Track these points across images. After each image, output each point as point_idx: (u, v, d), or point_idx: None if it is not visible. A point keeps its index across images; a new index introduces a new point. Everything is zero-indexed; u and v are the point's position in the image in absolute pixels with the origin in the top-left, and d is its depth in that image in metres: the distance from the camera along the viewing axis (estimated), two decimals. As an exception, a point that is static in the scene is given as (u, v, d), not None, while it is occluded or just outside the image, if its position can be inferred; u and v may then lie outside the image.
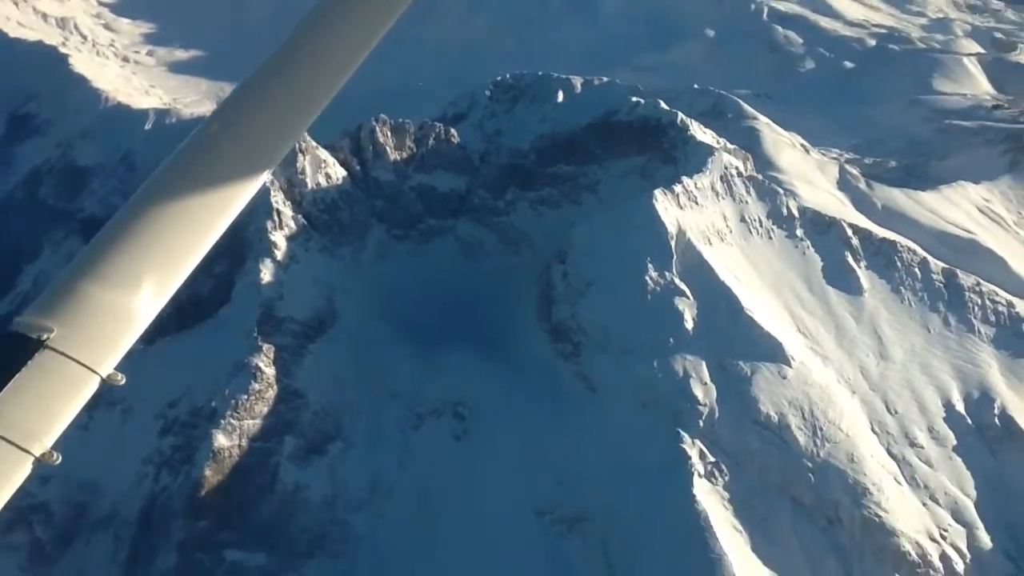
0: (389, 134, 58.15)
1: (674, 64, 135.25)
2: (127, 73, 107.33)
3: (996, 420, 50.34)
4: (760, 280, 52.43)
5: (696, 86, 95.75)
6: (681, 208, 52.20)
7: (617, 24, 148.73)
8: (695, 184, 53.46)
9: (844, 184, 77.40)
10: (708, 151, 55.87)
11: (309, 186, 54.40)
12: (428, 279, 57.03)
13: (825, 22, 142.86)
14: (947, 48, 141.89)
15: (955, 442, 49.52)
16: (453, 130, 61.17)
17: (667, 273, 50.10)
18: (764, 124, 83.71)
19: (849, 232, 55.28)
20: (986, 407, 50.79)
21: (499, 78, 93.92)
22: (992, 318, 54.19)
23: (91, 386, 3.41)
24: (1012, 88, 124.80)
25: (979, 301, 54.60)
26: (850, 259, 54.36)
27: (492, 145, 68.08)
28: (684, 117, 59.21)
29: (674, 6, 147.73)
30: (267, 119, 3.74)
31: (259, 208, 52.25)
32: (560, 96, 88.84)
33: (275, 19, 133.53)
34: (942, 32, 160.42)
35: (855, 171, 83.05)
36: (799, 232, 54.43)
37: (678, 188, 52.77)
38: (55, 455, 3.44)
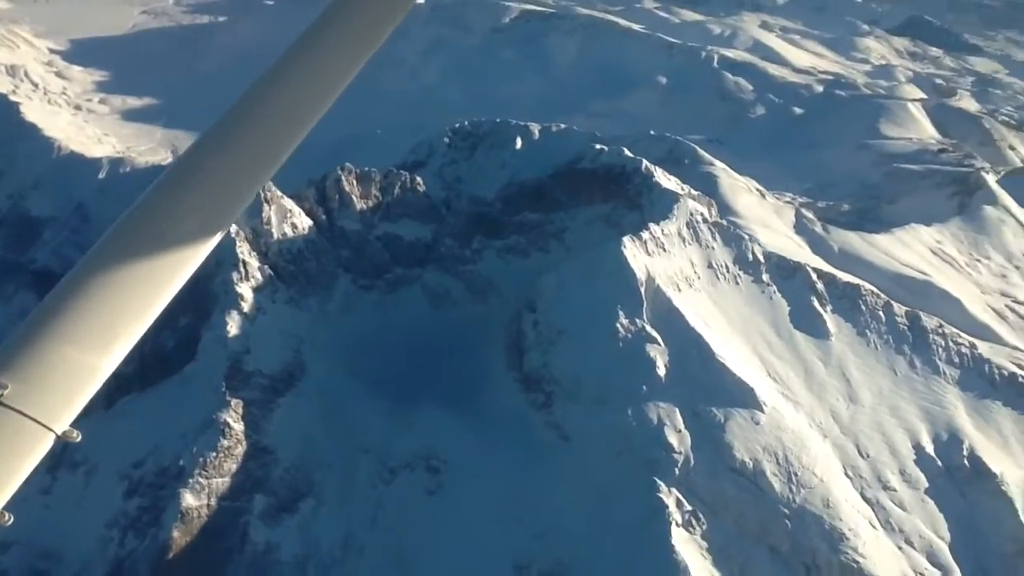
0: (355, 183, 57.76)
1: (627, 111, 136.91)
2: (79, 121, 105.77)
3: (965, 461, 50.87)
4: (729, 326, 52.68)
5: (652, 132, 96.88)
6: (649, 255, 52.41)
7: (569, 73, 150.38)
8: (662, 231, 53.78)
9: (801, 228, 78.77)
10: (673, 198, 56.33)
11: (275, 236, 53.67)
12: (396, 329, 56.40)
13: (774, 69, 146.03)
14: (891, 94, 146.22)
15: (927, 484, 49.88)
16: (419, 179, 60.97)
17: (638, 320, 50.10)
18: (721, 169, 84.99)
19: (814, 277, 55.92)
20: (955, 448, 51.34)
21: (457, 125, 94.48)
22: (956, 360, 55.00)
23: (46, 444, 3.26)
24: (955, 132, 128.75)
25: (943, 343, 55.43)
26: (816, 303, 54.92)
27: (452, 192, 68.76)
28: (648, 164, 59.74)
29: (625, 55, 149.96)
30: (227, 172, 3.58)
31: (224, 259, 51.37)
32: (519, 143, 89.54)
33: (230, 67, 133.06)
34: (885, 78, 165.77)
35: (810, 215, 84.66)
36: (765, 277, 54.93)
37: (645, 235, 53.02)
38: (7, 516, 3.29)
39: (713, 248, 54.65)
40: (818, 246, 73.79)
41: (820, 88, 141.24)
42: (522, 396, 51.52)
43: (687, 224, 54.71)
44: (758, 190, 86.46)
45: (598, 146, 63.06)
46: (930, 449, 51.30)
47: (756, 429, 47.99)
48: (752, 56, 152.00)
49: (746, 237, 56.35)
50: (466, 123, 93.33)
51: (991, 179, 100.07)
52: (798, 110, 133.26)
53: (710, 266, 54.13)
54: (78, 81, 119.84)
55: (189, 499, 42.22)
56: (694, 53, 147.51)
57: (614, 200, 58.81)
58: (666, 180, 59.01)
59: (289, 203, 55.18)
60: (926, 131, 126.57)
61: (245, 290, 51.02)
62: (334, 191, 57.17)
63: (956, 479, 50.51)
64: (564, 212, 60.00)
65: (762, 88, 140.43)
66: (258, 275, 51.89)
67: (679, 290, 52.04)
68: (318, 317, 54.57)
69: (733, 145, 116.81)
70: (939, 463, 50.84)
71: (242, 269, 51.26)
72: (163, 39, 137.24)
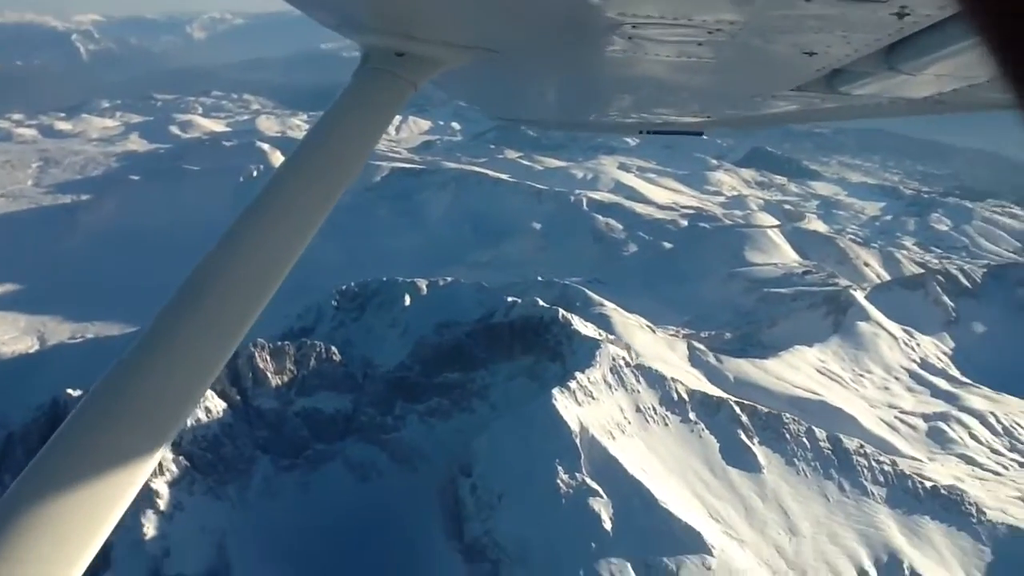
0: (268, 359, 55.64)
1: (505, 259, 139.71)
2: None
3: (908, 580, 51.38)
4: (666, 469, 52.41)
5: (540, 278, 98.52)
6: (579, 405, 52.08)
7: (443, 226, 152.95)
8: (588, 379, 53.73)
9: (695, 360, 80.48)
10: (594, 344, 56.64)
11: (188, 424, 50.60)
12: (321, 509, 53.44)
13: (640, 208, 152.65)
14: (748, 222, 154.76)
15: (876, 610, 49.98)
16: (334, 348, 59.32)
17: (577, 474, 49.23)
18: (612, 309, 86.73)
19: (738, 410, 56.69)
20: (896, 569, 51.79)
21: (344, 287, 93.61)
22: (881, 478, 56.18)
23: None
24: (814, 254, 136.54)
25: (866, 463, 56.66)
26: (743, 436, 55.50)
27: (345, 356, 68.15)
28: (565, 313, 60.14)
29: (497, 204, 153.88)
30: (181, 364, 3.13)
31: (135, 455, 47.86)
32: (407, 300, 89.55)
33: (95, 248, 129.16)
34: (739, 208, 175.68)
35: (701, 346, 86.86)
36: (692, 416, 55.32)
37: (573, 385, 52.82)
38: None
39: (639, 391, 54.86)
40: (714, 376, 75.27)
41: (685, 222, 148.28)
42: (466, 567, 49.20)
43: (611, 370, 54.92)
44: (648, 326, 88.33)
45: (510, 298, 63.23)
46: (873, 573, 51.58)
47: (709, 574, 47.21)
48: (618, 197, 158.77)
49: (668, 377, 56.91)
50: (352, 284, 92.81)
51: (860, 296, 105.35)
52: (667, 245, 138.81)
53: (638, 410, 54.18)
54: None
55: None
56: (563, 198, 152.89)
57: (535, 352, 58.64)
58: (584, 327, 59.44)
59: (200, 387, 52.29)
60: (788, 255, 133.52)
61: (160, 486, 47.53)
62: (247, 369, 54.80)
63: (903, 600, 50.82)
64: (485, 369, 59.24)
65: (631, 227, 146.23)
66: (173, 468, 48.55)
67: (613, 438, 51.66)
68: (239, 506, 51.20)
69: (612, 284, 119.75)
70: (885, 586, 51.16)
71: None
72: (23, 222, 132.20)
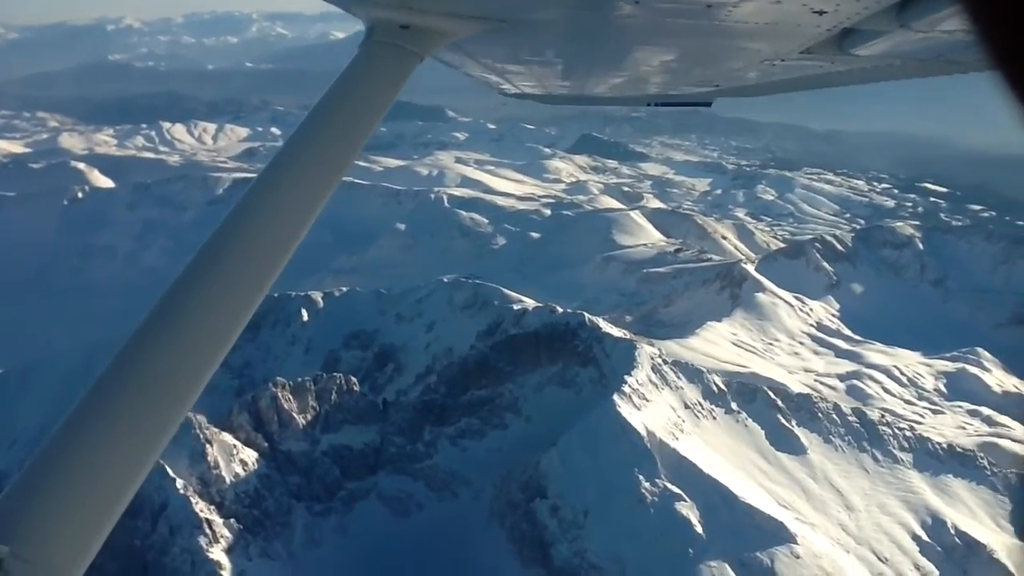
0: (291, 398, 49.61)
1: (373, 262, 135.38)
2: None
3: (956, 539, 53.10)
4: (727, 463, 51.38)
5: (446, 279, 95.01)
6: (638, 409, 50.02)
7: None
8: (636, 381, 51.72)
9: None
10: (629, 345, 54.64)
11: (227, 481, 44.16)
12: (362, 552, 48.50)
13: (501, 200, 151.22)
14: (593, 206, 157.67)
15: (937, 573, 51.30)
16: (353, 379, 53.81)
17: (658, 480, 47.23)
18: (530, 303, 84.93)
19: (772, 395, 56.54)
20: (942, 529, 53.46)
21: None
22: (905, 444, 57.82)
23: None
24: (675, 232, 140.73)
25: (890, 431, 58.12)
26: (783, 420, 55.40)
27: (245, 379, 64.32)
28: (591, 316, 57.66)
29: (354, 208, 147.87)
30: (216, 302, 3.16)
31: (182, 524, 41.28)
32: (304, 314, 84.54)
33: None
34: (582, 193, 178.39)
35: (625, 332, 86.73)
36: (734, 406, 54.59)
37: (627, 389, 50.64)
38: None
39: (682, 388, 53.46)
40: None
41: (548, 211, 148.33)
42: (556, 594, 46.07)
43: (652, 368, 53.16)
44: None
45: (516, 307, 59.89)
46: (924, 536, 52.98)
47: (799, 563, 46.70)
48: (476, 192, 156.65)
49: (704, 370, 55.88)
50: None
51: (751, 268, 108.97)
52: (535, 235, 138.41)
53: (687, 407, 52.78)
54: None
55: None
56: (423, 196, 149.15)
57: (561, 359, 55.71)
58: (614, 329, 57.26)
59: (228, 437, 45.87)
60: (654, 235, 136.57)
61: (219, 555, 41.23)
62: (271, 411, 48.50)
63: (956, 559, 52.44)
64: (511, 382, 55.65)
65: (496, 220, 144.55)
66: (226, 532, 42.23)
67: (676, 438, 50.00)
68: (288, 562, 45.43)
69: (487, 278, 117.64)
70: (938, 548, 52.60)
71: (208, 531, 41.43)
72: None
